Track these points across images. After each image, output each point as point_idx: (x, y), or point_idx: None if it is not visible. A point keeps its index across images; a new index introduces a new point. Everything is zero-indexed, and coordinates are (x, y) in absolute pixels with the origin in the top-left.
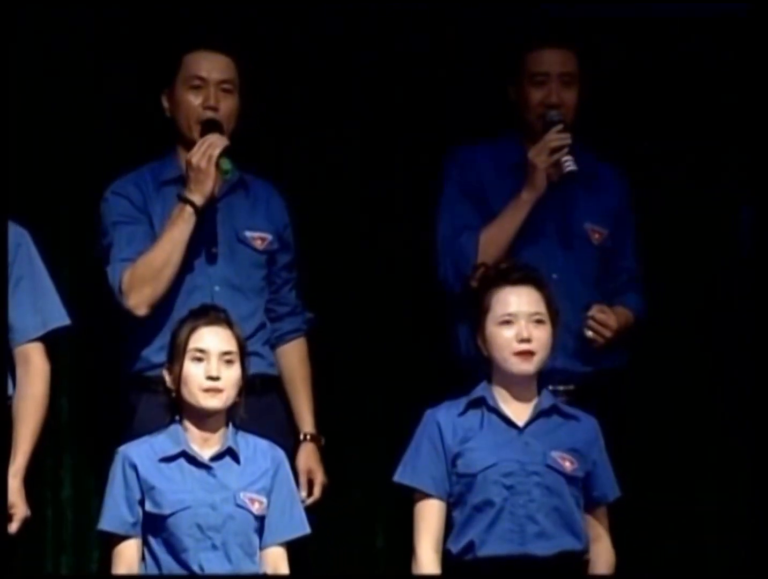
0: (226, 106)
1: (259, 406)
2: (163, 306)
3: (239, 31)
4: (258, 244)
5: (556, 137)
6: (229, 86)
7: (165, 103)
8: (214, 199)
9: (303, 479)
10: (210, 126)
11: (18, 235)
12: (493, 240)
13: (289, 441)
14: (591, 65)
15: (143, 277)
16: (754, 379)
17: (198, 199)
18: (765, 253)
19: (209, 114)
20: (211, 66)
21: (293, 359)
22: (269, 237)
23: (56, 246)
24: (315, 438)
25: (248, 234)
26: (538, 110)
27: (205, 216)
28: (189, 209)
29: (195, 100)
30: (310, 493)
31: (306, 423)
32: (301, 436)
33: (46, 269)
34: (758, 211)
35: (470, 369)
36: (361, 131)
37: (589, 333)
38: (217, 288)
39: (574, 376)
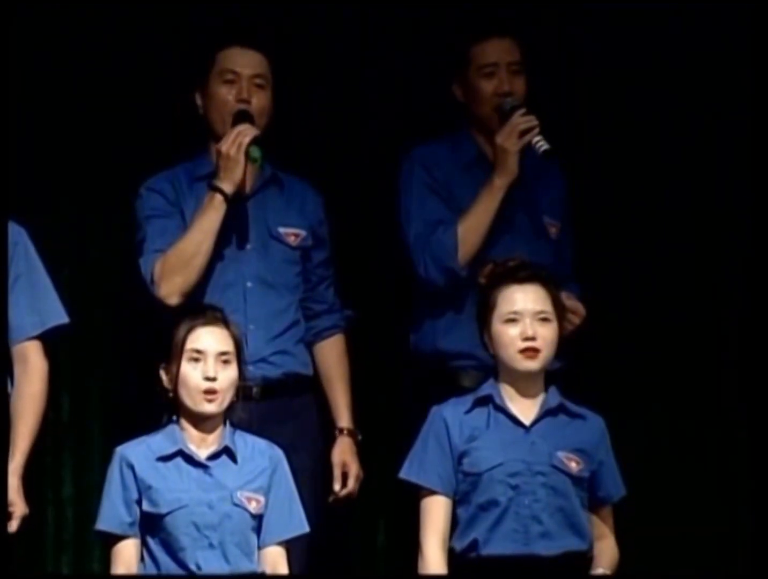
0: (259, 100)
1: (292, 406)
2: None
3: (272, 29)
4: (291, 240)
5: (523, 120)
6: (262, 81)
7: (198, 101)
8: (247, 195)
9: (337, 472)
10: (241, 117)
11: (15, 234)
12: (472, 229)
13: (318, 443)
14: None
15: (174, 267)
16: (749, 369)
17: (228, 187)
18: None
19: (242, 106)
20: (244, 61)
21: (330, 356)
22: (303, 233)
23: (56, 246)
24: (351, 433)
25: (282, 230)
26: (492, 101)
27: (238, 212)
28: (219, 197)
29: (228, 94)
30: (344, 486)
31: (343, 418)
32: (337, 431)
33: (44, 267)
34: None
35: (432, 369)
36: (397, 128)
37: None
38: (249, 284)
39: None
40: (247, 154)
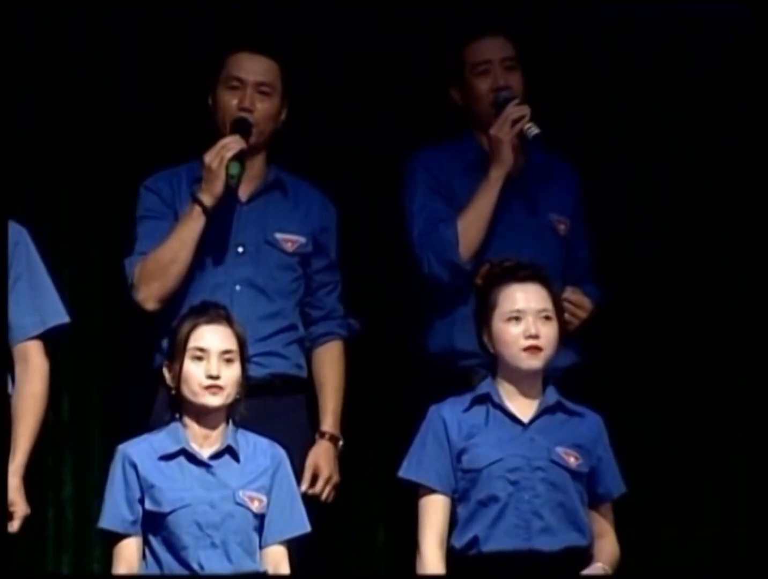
0: (263, 108)
1: (277, 406)
2: (187, 302)
3: (286, 35)
4: (288, 246)
5: (515, 109)
6: (268, 89)
7: (210, 103)
8: (246, 199)
9: (307, 474)
10: (238, 125)
11: (16, 234)
12: (472, 223)
13: (306, 444)
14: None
15: (151, 273)
16: (750, 369)
17: (207, 199)
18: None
19: (242, 114)
20: (250, 67)
21: (322, 361)
22: (302, 239)
23: (56, 246)
24: (332, 437)
25: (278, 236)
26: (488, 98)
27: (235, 215)
28: (198, 208)
29: (232, 100)
30: (312, 487)
31: (326, 422)
32: (318, 434)
33: (44, 267)
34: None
35: (438, 367)
36: (408, 134)
37: (565, 315)
38: (238, 287)
39: (554, 371)
40: (226, 168)
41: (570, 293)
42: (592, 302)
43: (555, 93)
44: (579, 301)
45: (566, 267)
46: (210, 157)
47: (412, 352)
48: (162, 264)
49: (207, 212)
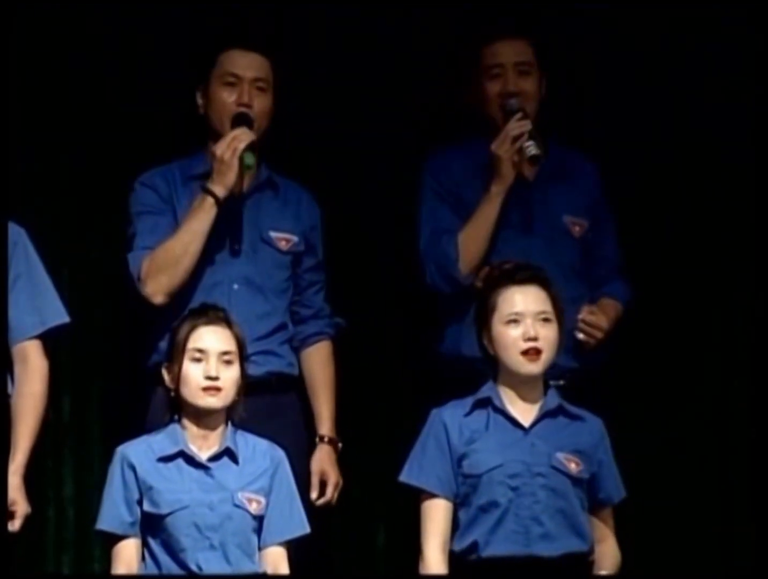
0: (260, 103)
1: (274, 404)
2: (183, 301)
3: (277, 32)
4: (282, 244)
5: (516, 125)
6: (263, 84)
7: (199, 100)
8: (241, 197)
9: (314, 480)
10: (240, 120)
11: (15, 234)
12: (471, 237)
13: (301, 442)
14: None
15: (161, 266)
16: (751, 370)
17: (220, 190)
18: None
19: (241, 109)
20: (246, 64)
21: (314, 362)
22: (295, 238)
23: (56, 246)
24: (332, 441)
25: (273, 234)
26: (497, 102)
27: (231, 213)
28: (210, 200)
29: (229, 96)
30: (322, 494)
31: (324, 426)
32: (317, 439)
33: (44, 267)
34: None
35: (451, 369)
36: (391, 136)
37: (581, 335)
38: (236, 286)
39: (564, 372)
40: (240, 159)
41: (586, 314)
42: (618, 304)
43: (572, 94)
44: (594, 322)
45: (588, 267)
46: (221, 149)
47: (422, 355)
48: (172, 257)
49: (219, 203)
